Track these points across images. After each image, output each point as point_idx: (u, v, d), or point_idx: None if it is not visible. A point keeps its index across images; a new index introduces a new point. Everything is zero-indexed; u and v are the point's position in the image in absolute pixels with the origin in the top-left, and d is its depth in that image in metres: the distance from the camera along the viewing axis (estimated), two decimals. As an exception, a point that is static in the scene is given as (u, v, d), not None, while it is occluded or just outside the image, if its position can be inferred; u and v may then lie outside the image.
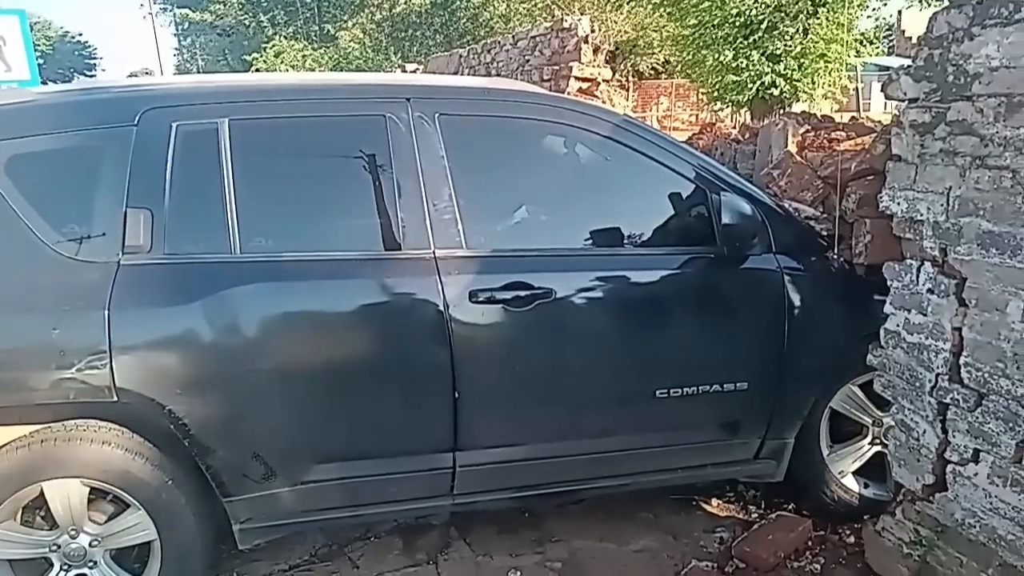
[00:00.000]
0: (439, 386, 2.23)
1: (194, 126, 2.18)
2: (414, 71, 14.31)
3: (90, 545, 2.14)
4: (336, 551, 2.67)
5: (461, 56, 13.01)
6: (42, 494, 2.07)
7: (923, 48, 2.02)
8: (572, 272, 2.35)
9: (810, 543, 2.60)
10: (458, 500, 2.41)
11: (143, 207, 2.09)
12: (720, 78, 11.92)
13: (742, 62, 11.32)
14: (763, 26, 11.21)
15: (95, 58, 47.94)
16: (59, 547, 2.13)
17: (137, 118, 2.14)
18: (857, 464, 2.70)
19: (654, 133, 2.59)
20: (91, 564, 2.16)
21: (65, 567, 2.15)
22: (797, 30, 11.30)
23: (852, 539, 2.61)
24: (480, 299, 2.22)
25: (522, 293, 2.25)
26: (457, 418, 2.26)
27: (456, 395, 2.24)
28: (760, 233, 2.39)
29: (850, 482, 2.70)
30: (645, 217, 2.51)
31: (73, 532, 2.12)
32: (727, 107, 12.96)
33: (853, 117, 4.82)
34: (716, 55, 11.61)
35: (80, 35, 48.06)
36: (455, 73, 12.11)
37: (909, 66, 2.08)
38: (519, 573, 2.53)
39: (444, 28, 24.45)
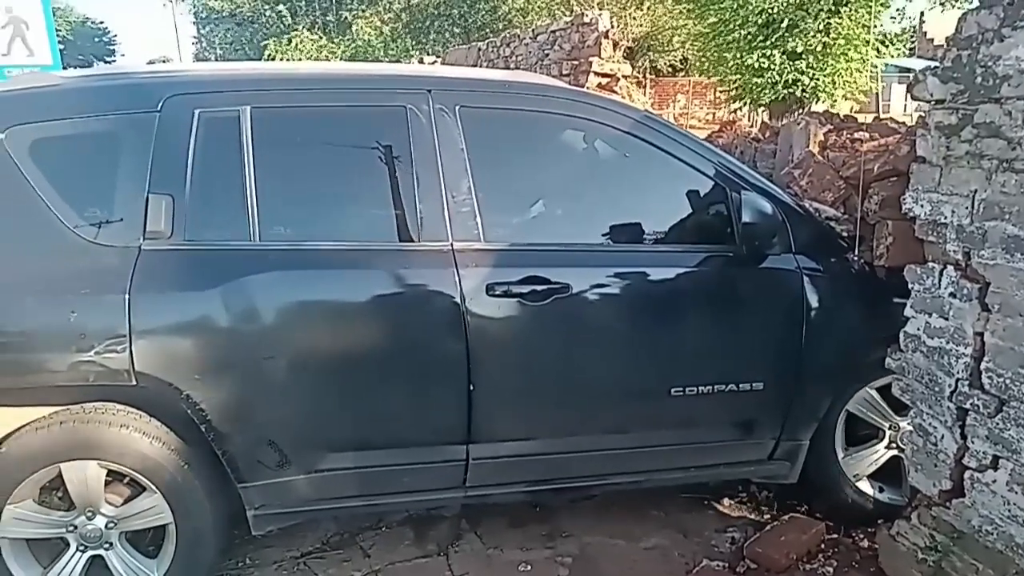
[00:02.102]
0: (454, 378, 2.23)
1: (216, 113, 2.18)
2: (432, 63, 14.31)
3: (106, 527, 2.16)
4: (348, 540, 2.69)
5: (480, 49, 12.99)
6: (60, 475, 2.10)
7: (951, 49, 2.00)
8: (590, 267, 2.34)
9: (823, 546, 2.58)
10: (470, 492, 2.41)
11: (165, 193, 2.10)
12: (741, 77, 11.84)
13: (764, 62, 11.24)
14: (784, 24, 11.12)
15: (114, 44, 48.22)
16: (76, 528, 2.15)
17: (160, 104, 2.15)
18: (872, 468, 2.68)
19: (675, 130, 2.57)
20: (107, 545, 2.18)
21: (81, 547, 2.17)
22: (819, 28, 11.21)
23: (866, 543, 2.59)
24: (497, 292, 2.22)
25: (539, 287, 2.24)
26: (471, 411, 2.26)
27: (471, 388, 2.24)
28: (780, 233, 2.38)
29: (865, 486, 2.68)
30: (664, 214, 2.50)
31: (90, 513, 2.15)
32: (746, 106, 12.89)
33: (876, 117, 4.77)
34: (737, 55, 11.54)
35: (101, 22, 48.34)
36: (474, 66, 12.09)
37: (936, 67, 2.05)
38: (529, 567, 2.53)
39: (462, 20, 24.42)
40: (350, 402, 2.24)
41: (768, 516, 2.80)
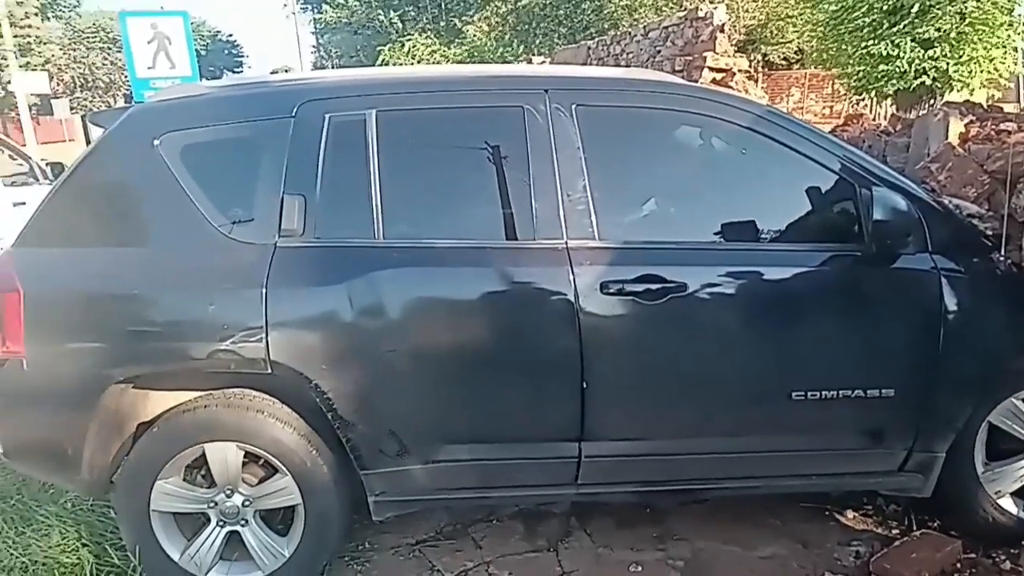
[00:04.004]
0: (568, 375, 2.24)
1: (345, 117, 2.29)
2: (541, 63, 14.40)
3: (243, 504, 2.32)
4: (460, 530, 2.76)
5: (589, 48, 12.97)
6: (203, 455, 2.27)
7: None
8: (709, 266, 2.29)
9: (959, 565, 2.42)
10: (582, 490, 2.41)
11: (298, 193, 2.23)
12: (865, 67, 11.16)
13: (893, 51, 10.55)
14: (914, 10, 10.40)
15: (242, 57, 51.41)
16: (216, 504, 2.32)
17: (295, 110, 2.28)
18: (1017, 485, 2.48)
19: (799, 124, 2.47)
20: (243, 523, 2.34)
21: (220, 523, 2.34)
22: (953, 13, 10.41)
23: (1008, 565, 2.41)
24: (611, 291, 2.21)
25: (654, 286, 2.22)
26: (584, 408, 2.26)
27: (584, 385, 2.24)
28: (914, 231, 2.24)
29: (1008, 504, 2.48)
30: (786, 211, 2.41)
31: (229, 491, 2.31)
32: (870, 98, 12.15)
33: None
34: (861, 44, 10.88)
35: (230, 35, 51.66)
36: (584, 65, 12.06)
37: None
38: (640, 568, 2.51)
39: (568, 20, 24.39)
40: (466, 396, 2.30)
41: (897, 531, 2.65)
